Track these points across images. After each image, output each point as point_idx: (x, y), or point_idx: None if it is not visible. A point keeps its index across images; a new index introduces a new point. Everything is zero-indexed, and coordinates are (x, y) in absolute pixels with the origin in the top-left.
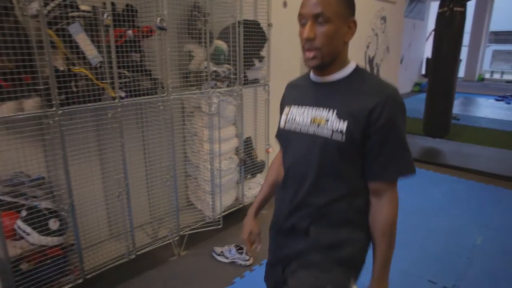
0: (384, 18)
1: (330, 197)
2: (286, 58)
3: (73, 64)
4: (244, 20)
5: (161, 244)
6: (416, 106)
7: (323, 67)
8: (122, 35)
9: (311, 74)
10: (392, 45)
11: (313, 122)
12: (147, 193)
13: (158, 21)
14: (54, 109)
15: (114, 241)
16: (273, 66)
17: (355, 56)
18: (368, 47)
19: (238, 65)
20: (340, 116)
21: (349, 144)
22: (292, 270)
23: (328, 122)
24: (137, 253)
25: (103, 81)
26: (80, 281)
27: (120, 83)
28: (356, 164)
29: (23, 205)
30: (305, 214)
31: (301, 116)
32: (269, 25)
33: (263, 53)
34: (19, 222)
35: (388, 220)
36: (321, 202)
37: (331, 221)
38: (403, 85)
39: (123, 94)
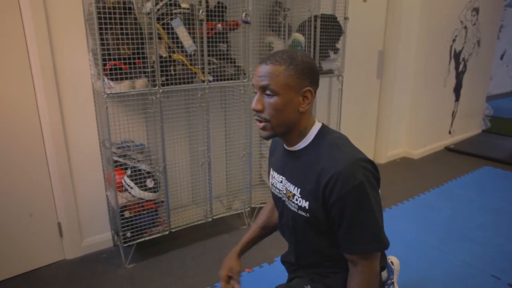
0: (476, 10)
1: (310, 261)
2: (361, 50)
3: (173, 52)
4: (321, 14)
5: (234, 213)
6: None
7: (281, 137)
8: (212, 28)
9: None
10: (484, 39)
11: (286, 194)
12: (225, 167)
13: (243, 16)
14: (157, 88)
15: (195, 207)
16: (347, 57)
17: (437, 49)
18: (454, 40)
19: (314, 56)
20: (302, 195)
21: (314, 220)
22: None
23: (294, 198)
24: (214, 218)
25: (196, 67)
26: (166, 233)
27: (209, 68)
28: (328, 235)
29: (128, 165)
30: (300, 271)
31: (279, 185)
32: (346, 18)
33: (338, 45)
34: (125, 178)
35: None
36: (306, 262)
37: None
38: (502, 84)
39: (211, 78)
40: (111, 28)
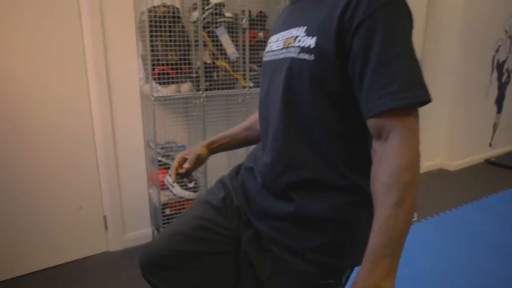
0: None
1: (304, 146)
2: None
3: (217, 59)
4: None
5: None
6: None
7: None
8: (254, 36)
9: None
10: None
11: (284, 45)
12: None
13: None
14: (200, 92)
15: None
16: None
17: (478, 59)
18: (497, 50)
19: None
20: (309, 32)
21: (321, 64)
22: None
23: (296, 39)
24: None
25: (237, 73)
26: None
27: (250, 75)
28: (332, 94)
29: (170, 165)
30: (275, 170)
31: (276, 44)
32: None
33: None
34: (167, 177)
35: (395, 166)
36: (293, 153)
37: (314, 181)
38: None
39: (251, 84)
40: (160, 35)
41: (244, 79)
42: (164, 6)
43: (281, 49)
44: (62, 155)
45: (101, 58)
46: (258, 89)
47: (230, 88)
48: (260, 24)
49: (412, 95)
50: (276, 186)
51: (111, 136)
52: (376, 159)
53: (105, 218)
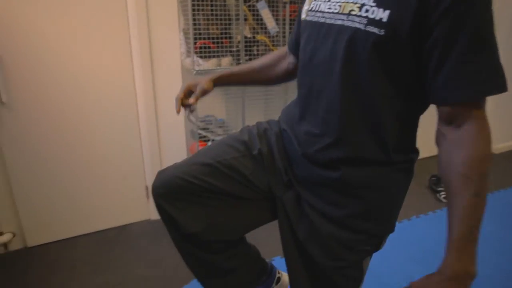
0: None
1: (357, 121)
2: None
3: (257, 33)
4: None
5: None
6: None
7: None
8: (295, 10)
9: None
10: None
11: (343, 10)
12: None
13: None
14: None
15: None
16: None
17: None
18: None
19: None
20: (380, 2)
21: (391, 41)
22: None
23: (363, 8)
24: None
25: (277, 47)
26: None
27: None
28: (399, 74)
29: (209, 138)
30: (321, 142)
31: (327, 4)
32: None
33: None
34: None
35: (473, 157)
36: (344, 126)
37: (361, 153)
38: None
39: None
40: (202, 9)
41: None
42: None
43: (338, 13)
44: (108, 128)
45: (144, 33)
46: None
47: None
48: None
49: (495, 86)
50: (320, 156)
51: (153, 109)
52: (446, 145)
53: (146, 188)
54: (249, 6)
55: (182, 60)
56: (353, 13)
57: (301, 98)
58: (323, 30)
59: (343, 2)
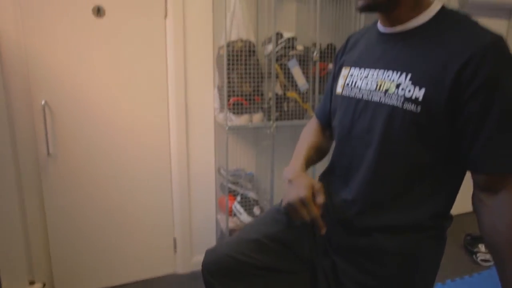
0: None
1: (393, 190)
2: None
3: (287, 90)
4: None
5: None
6: None
7: (383, 10)
8: (324, 68)
9: (379, 23)
10: None
11: (379, 88)
12: None
13: None
14: (271, 122)
15: None
16: None
17: None
18: None
19: None
20: (415, 81)
21: (427, 117)
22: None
23: (399, 88)
24: None
25: (307, 103)
26: None
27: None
28: (435, 145)
29: (238, 192)
30: (358, 210)
31: (364, 80)
32: None
33: None
34: (236, 204)
35: None
36: (380, 195)
37: (396, 221)
38: None
39: None
40: (236, 68)
41: (313, 110)
42: (241, 41)
43: (375, 90)
44: (142, 179)
45: (181, 88)
46: None
47: (299, 118)
48: (329, 56)
49: None
50: (355, 223)
51: (185, 161)
52: (487, 211)
53: (175, 240)
54: (281, 64)
55: (216, 115)
56: (390, 91)
57: (341, 167)
58: (360, 105)
59: (380, 80)
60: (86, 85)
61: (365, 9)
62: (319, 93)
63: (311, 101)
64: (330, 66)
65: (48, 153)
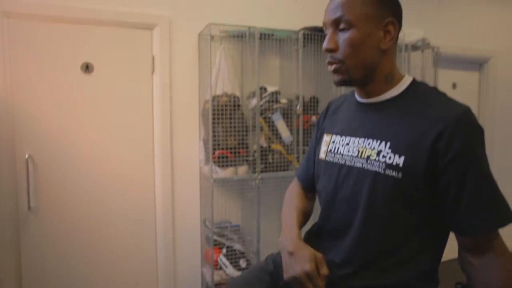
0: None
1: (380, 252)
2: None
3: (272, 142)
4: None
5: None
6: None
7: (358, 84)
8: (308, 120)
9: (356, 93)
10: None
11: (361, 154)
12: None
13: None
14: (256, 174)
15: None
16: None
17: None
18: None
19: None
20: (394, 149)
21: (409, 183)
22: None
23: (380, 155)
24: None
25: (291, 155)
26: None
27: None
28: (418, 208)
29: (224, 244)
30: (346, 272)
31: (346, 147)
32: None
33: None
34: (221, 256)
35: (507, 283)
36: (368, 257)
37: (383, 281)
38: None
39: None
40: (221, 122)
41: (298, 161)
42: (226, 96)
43: (357, 156)
44: (124, 230)
45: (167, 142)
46: None
47: (284, 170)
48: (313, 109)
49: (507, 217)
50: (341, 285)
51: (170, 213)
52: (477, 273)
53: None
54: (265, 117)
55: (201, 167)
56: (371, 158)
57: (328, 231)
58: (343, 171)
59: (361, 147)
60: (72, 140)
61: (341, 83)
62: (303, 144)
63: (296, 153)
64: (314, 118)
65: (29, 207)
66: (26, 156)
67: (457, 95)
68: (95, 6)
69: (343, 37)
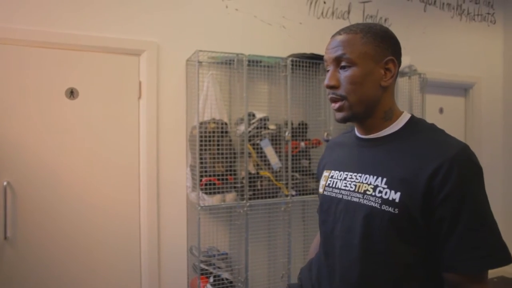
0: None
1: (377, 284)
2: None
3: (260, 169)
4: None
5: None
6: None
7: (359, 120)
8: (296, 146)
9: (356, 129)
10: None
11: (358, 189)
12: None
13: (325, 135)
14: (244, 201)
15: None
16: None
17: None
18: None
19: None
20: (391, 186)
21: (405, 218)
22: None
23: (377, 190)
24: None
25: (280, 182)
26: None
27: (292, 183)
28: (415, 243)
29: (211, 273)
30: None
31: (343, 182)
32: None
33: None
34: (208, 286)
35: None
36: None
37: None
38: None
39: (293, 193)
40: (209, 148)
41: (287, 187)
42: (214, 122)
43: (354, 191)
44: (107, 260)
45: (153, 168)
46: (301, 197)
47: (273, 196)
48: (301, 134)
49: (497, 259)
50: None
51: (156, 241)
52: None
53: None
54: (253, 144)
55: (188, 194)
56: (368, 193)
57: (327, 266)
58: (341, 205)
59: (358, 182)
60: (53, 167)
61: (344, 120)
62: (292, 170)
63: (285, 179)
64: (302, 144)
65: (5, 237)
66: (5, 183)
67: (444, 119)
68: (82, 32)
69: (344, 75)
